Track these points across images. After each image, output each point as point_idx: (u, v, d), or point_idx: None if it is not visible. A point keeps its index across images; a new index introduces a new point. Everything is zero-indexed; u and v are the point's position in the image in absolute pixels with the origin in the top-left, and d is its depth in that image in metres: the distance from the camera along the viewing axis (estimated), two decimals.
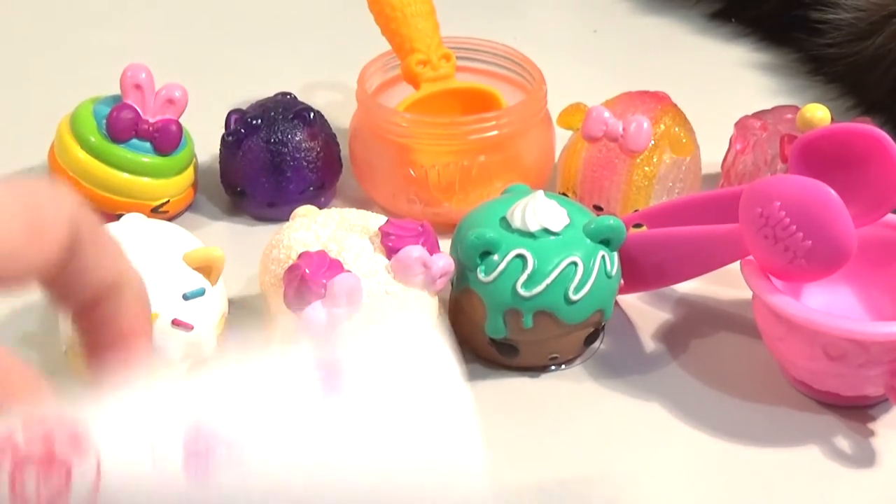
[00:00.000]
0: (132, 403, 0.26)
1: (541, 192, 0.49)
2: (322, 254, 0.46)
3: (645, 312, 0.54)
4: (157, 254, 0.47)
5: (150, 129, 0.56)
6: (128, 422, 0.26)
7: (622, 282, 0.50)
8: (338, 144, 0.60)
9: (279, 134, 0.58)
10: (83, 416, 0.26)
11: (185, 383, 0.26)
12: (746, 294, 0.48)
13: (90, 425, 0.25)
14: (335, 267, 0.46)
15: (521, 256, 0.47)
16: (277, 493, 0.26)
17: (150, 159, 0.57)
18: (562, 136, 0.59)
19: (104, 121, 0.56)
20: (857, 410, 0.48)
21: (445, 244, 0.50)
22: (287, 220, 0.50)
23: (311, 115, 0.58)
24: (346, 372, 0.26)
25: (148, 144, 0.56)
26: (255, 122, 0.58)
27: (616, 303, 0.51)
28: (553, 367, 0.50)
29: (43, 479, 0.25)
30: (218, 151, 0.60)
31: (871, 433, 0.47)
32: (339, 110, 0.63)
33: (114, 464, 0.25)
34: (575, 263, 0.47)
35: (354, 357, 0.27)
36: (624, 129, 0.55)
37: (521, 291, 0.47)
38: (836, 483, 0.45)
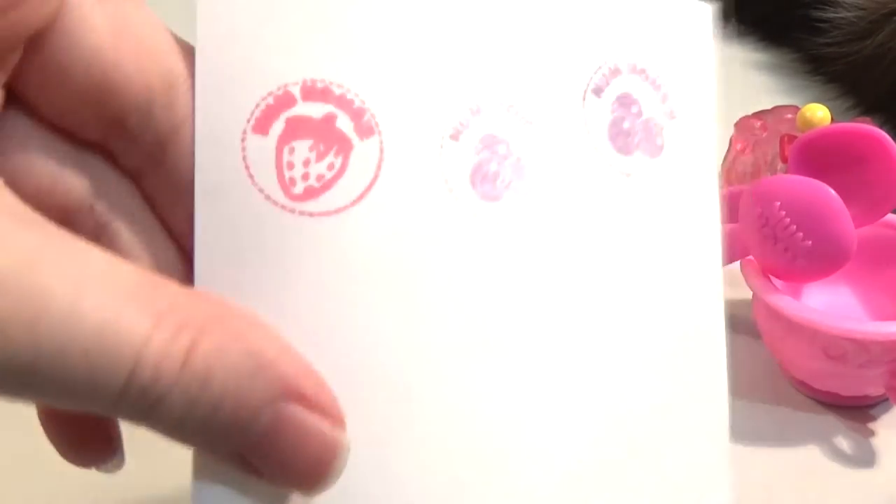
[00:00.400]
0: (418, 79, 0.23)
1: None
2: None
3: None
4: None
5: None
6: (416, 114, 0.23)
7: None
8: None
9: None
10: (373, 98, 0.23)
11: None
12: (746, 294, 0.48)
13: (378, 109, 0.23)
14: None
15: None
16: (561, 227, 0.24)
17: None
18: None
19: None
20: (857, 410, 0.48)
21: None
22: None
23: None
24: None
25: None
26: None
27: None
28: None
29: (315, 154, 0.22)
30: None
31: (871, 433, 0.47)
32: None
33: (396, 159, 0.23)
34: None
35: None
36: None
37: None
38: (836, 483, 0.45)
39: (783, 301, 0.45)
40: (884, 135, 0.46)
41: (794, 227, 0.44)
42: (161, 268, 0.24)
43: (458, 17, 0.23)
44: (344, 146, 0.23)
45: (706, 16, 0.26)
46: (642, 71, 0.25)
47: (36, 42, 0.21)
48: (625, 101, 0.25)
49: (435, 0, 0.23)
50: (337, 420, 0.21)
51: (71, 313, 0.18)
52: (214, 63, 0.22)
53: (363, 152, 0.23)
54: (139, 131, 0.22)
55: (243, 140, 0.22)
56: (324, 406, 0.21)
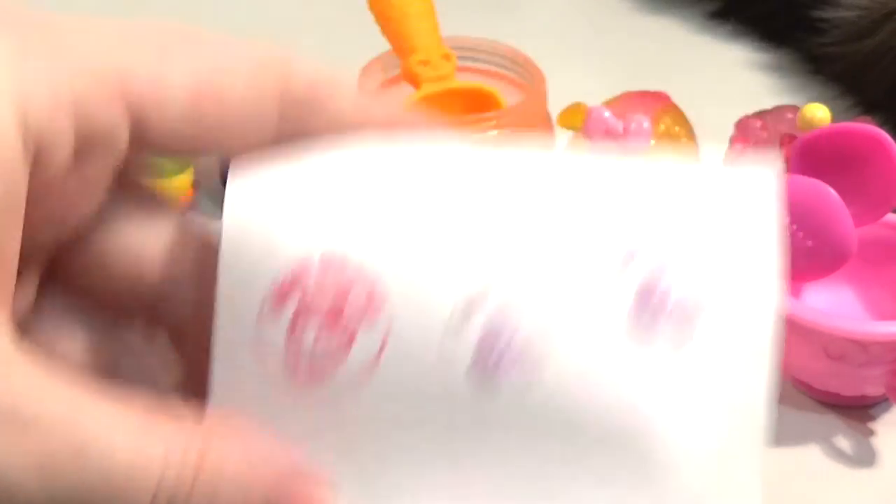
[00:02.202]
0: (433, 262, 0.23)
1: None
2: None
3: None
4: None
5: None
6: (426, 293, 0.23)
7: None
8: None
9: None
10: (386, 273, 0.23)
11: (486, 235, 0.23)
12: None
13: (390, 286, 0.23)
14: None
15: None
16: (566, 420, 0.23)
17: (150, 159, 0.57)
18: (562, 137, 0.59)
19: None
20: (857, 410, 0.48)
21: None
22: None
23: None
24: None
25: None
26: None
27: None
28: None
29: (324, 334, 0.23)
30: None
31: (871, 433, 0.47)
32: None
33: (400, 343, 0.23)
34: None
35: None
36: (624, 129, 0.55)
37: None
38: (836, 483, 0.45)
39: (783, 301, 0.45)
40: (884, 135, 0.46)
41: (795, 226, 0.44)
42: None
43: (484, 189, 0.23)
44: (348, 328, 0.23)
45: (770, 184, 0.25)
46: (678, 248, 0.24)
47: (70, 243, 0.25)
48: (651, 283, 0.24)
49: (458, 174, 0.24)
50: None
51: (104, 458, 0.22)
52: (237, 248, 0.23)
53: (371, 330, 0.23)
54: (171, 312, 0.25)
55: (258, 322, 0.23)
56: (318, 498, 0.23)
